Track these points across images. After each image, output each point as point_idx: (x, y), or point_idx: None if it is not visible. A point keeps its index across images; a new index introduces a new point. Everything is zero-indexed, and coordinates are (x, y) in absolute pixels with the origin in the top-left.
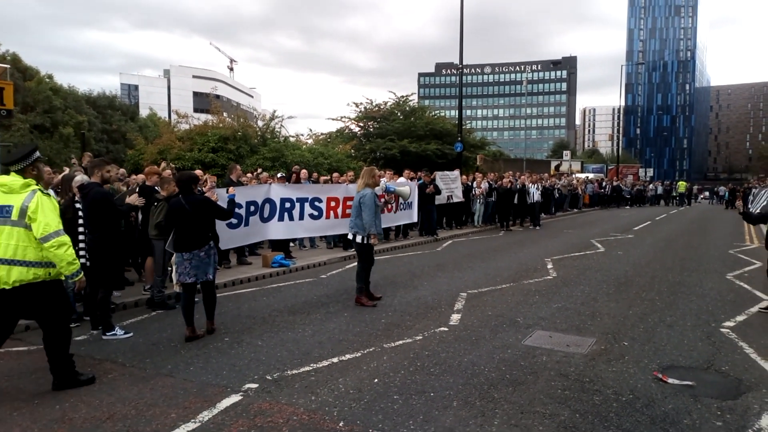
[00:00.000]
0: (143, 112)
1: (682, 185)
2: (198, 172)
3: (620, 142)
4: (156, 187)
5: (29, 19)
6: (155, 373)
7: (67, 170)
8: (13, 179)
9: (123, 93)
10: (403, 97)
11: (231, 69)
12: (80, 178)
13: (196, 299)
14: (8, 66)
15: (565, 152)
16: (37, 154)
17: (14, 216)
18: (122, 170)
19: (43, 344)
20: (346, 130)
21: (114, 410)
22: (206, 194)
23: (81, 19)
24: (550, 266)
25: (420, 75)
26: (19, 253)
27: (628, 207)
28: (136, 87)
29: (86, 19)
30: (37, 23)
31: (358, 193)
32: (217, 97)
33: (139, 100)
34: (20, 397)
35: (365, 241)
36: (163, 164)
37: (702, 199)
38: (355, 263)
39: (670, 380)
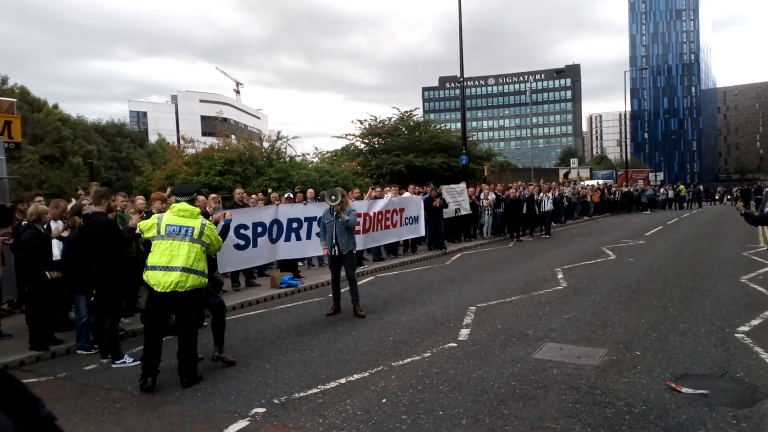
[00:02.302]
0: (152, 138)
1: (683, 189)
2: (206, 197)
3: (628, 147)
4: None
5: (36, 52)
6: (163, 401)
7: (74, 201)
8: (192, 207)
9: (132, 120)
10: (407, 112)
11: (237, 92)
12: (89, 207)
13: (204, 323)
14: (15, 100)
15: (572, 159)
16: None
17: (195, 235)
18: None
19: (147, 354)
20: (352, 148)
21: None
22: (214, 217)
23: (87, 49)
24: (560, 276)
25: (424, 89)
26: (195, 264)
27: (648, 212)
28: (145, 113)
29: (92, 49)
30: (43, 55)
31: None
32: (225, 120)
33: (148, 126)
34: None
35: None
36: (169, 190)
37: (726, 200)
38: (365, 280)
39: (684, 389)
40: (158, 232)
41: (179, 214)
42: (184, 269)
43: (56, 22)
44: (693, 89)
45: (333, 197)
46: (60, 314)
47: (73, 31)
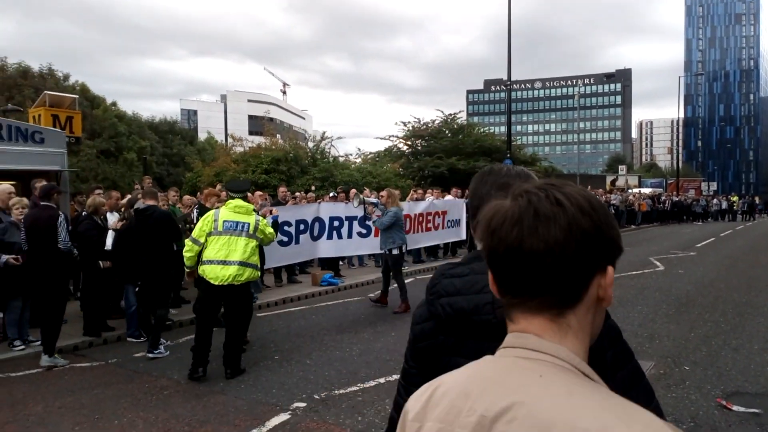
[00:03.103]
0: (201, 136)
1: (736, 200)
2: (257, 193)
3: (680, 155)
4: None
5: (94, 51)
6: (208, 391)
7: (129, 195)
8: (247, 204)
9: (183, 118)
10: (450, 114)
11: (284, 92)
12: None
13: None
14: (77, 96)
15: (620, 167)
16: None
17: (251, 231)
18: (191, 198)
19: (199, 344)
20: (394, 149)
21: (168, 426)
22: (261, 212)
23: (142, 49)
24: None
25: (468, 92)
26: (250, 258)
27: (700, 222)
28: (195, 112)
29: (146, 49)
30: (101, 54)
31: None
32: (271, 120)
33: (197, 124)
34: (82, 412)
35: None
36: (219, 186)
37: None
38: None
39: (735, 408)
40: (215, 228)
41: (235, 210)
42: (241, 263)
43: (113, 23)
44: (751, 96)
45: (355, 201)
46: (112, 303)
47: (128, 31)
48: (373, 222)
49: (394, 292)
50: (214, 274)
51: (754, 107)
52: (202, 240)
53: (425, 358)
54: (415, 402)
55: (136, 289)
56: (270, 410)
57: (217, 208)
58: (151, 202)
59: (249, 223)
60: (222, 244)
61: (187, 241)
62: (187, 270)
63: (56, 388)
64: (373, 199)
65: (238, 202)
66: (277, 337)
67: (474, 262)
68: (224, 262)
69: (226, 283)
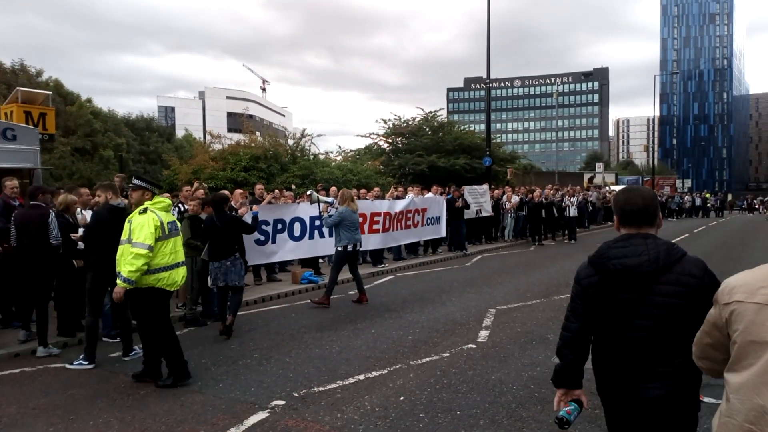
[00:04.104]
0: (179, 133)
1: (708, 197)
2: (238, 191)
3: (656, 153)
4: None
5: (69, 46)
6: (185, 390)
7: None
8: (169, 201)
9: (160, 115)
10: (431, 112)
11: (263, 89)
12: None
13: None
14: (50, 93)
15: (598, 164)
16: None
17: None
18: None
19: (176, 352)
20: (375, 147)
21: (145, 426)
22: (240, 209)
23: (118, 44)
24: None
25: (449, 90)
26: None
27: (674, 219)
28: (173, 109)
29: (123, 44)
30: (76, 49)
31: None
32: (250, 117)
33: (175, 121)
34: (57, 412)
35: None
36: (196, 184)
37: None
38: (384, 279)
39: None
40: (164, 232)
41: (167, 209)
42: (183, 263)
43: (88, 18)
44: (725, 95)
45: (309, 201)
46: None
47: (104, 26)
48: (324, 220)
49: (378, 287)
50: (172, 279)
51: (728, 106)
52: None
53: (591, 299)
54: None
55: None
56: (248, 408)
57: (145, 208)
58: (101, 200)
59: (176, 221)
60: (171, 247)
61: (138, 251)
62: (127, 286)
63: (30, 389)
64: (328, 199)
65: (166, 200)
66: (256, 336)
67: (628, 239)
68: (177, 265)
69: (178, 287)
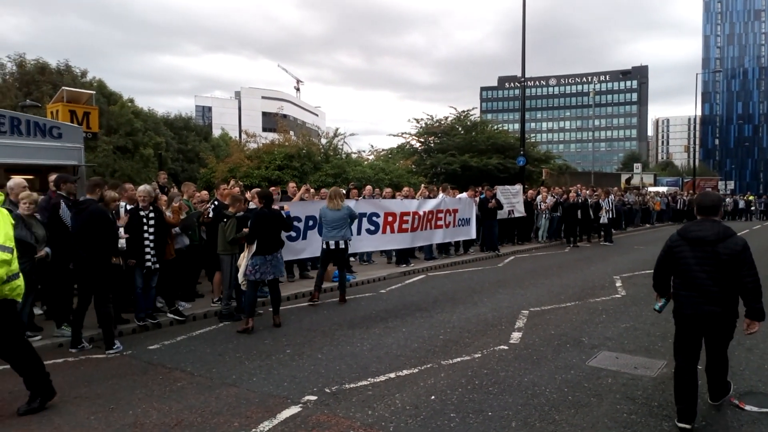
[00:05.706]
0: (216, 132)
1: (752, 199)
2: (273, 189)
3: (697, 153)
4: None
5: (110, 47)
6: (221, 383)
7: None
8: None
9: (197, 114)
10: (464, 111)
11: (297, 89)
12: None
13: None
14: (94, 92)
15: (636, 165)
16: None
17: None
18: (204, 192)
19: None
20: (407, 146)
21: (182, 417)
22: (275, 207)
23: (154, 45)
24: (618, 284)
25: (482, 89)
26: None
27: None
28: (210, 108)
29: (159, 44)
30: (117, 50)
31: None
32: (285, 116)
33: (212, 120)
34: (97, 402)
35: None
36: (232, 182)
37: None
38: (415, 279)
39: (748, 407)
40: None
41: (2, 202)
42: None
43: (126, 19)
44: None
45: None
46: (125, 296)
47: (141, 27)
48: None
49: (410, 287)
50: (21, 286)
51: None
52: None
53: (671, 254)
54: None
55: (144, 271)
56: (281, 403)
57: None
58: (91, 197)
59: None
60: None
61: (1, 256)
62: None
63: (72, 379)
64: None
65: None
66: (289, 331)
67: (702, 222)
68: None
69: None
